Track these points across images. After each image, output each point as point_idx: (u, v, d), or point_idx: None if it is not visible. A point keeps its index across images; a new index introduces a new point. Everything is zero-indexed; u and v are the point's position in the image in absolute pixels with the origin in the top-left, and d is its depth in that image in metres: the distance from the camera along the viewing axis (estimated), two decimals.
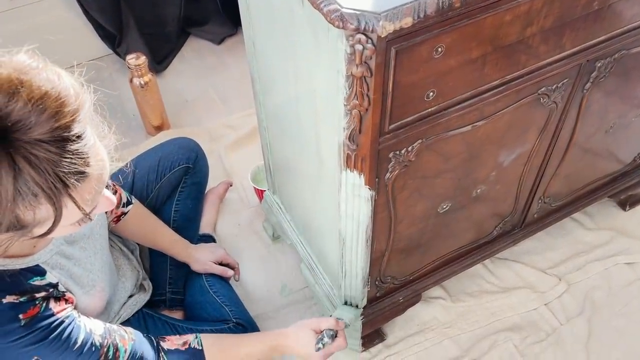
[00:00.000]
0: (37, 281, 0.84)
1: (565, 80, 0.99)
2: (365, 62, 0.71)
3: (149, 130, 1.85)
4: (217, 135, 1.84)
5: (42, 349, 0.82)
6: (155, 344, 0.97)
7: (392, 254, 1.13)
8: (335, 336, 1.08)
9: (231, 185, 1.66)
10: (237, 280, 1.43)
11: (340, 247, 1.06)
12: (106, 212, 1.15)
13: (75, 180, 0.68)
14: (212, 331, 1.17)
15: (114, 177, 1.25)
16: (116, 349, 0.91)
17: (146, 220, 1.26)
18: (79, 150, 0.68)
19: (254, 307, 1.40)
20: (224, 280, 1.36)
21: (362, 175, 0.88)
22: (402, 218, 1.04)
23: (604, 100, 1.11)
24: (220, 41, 2.17)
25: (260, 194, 1.57)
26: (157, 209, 1.36)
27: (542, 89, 0.97)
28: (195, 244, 1.38)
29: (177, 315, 1.29)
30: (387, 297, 1.26)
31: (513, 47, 0.84)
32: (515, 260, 1.49)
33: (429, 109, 0.84)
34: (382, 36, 0.67)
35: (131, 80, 1.70)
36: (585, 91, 1.05)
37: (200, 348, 1.00)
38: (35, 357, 0.82)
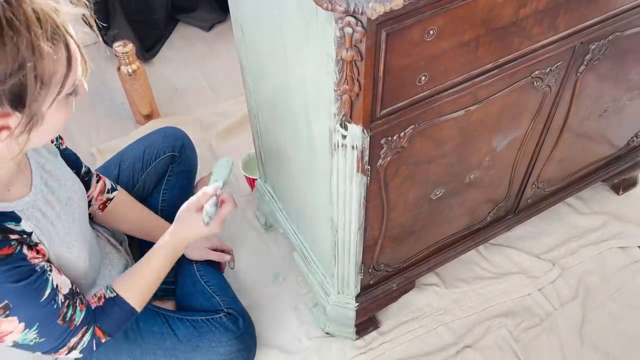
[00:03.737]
0: (11, 225, 0.84)
1: (559, 63, 0.97)
2: (355, 46, 0.69)
3: (137, 119, 1.82)
4: (208, 123, 1.82)
5: (13, 293, 0.82)
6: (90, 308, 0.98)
7: (386, 241, 1.12)
8: (221, 202, 1.07)
9: None
10: (232, 268, 1.42)
11: (332, 235, 1.05)
12: (90, 201, 1.15)
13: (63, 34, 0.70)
14: (203, 322, 1.16)
15: (100, 171, 1.28)
16: (74, 312, 0.92)
17: (133, 207, 1.25)
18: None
19: (247, 296, 1.40)
20: (216, 270, 1.35)
21: (354, 162, 0.86)
22: (395, 205, 1.03)
23: (597, 83, 1.10)
24: (209, 28, 2.14)
25: (251, 182, 1.55)
26: (144, 199, 1.35)
27: (536, 72, 0.96)
28: None
29: (168, 305, 1.28)
30: (380, 285, 1.25)
31: (506, 29, 0.82)
32: (509, 245, 1.48)
33: (421, 94, 0.82)
34: (372, 18, 0.65)
35: (119, 69, 1.67)
36: (579, 74, 1.04)
37: (115, 294, 1.00)
38: (6, 302, 0.82)
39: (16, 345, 0.89)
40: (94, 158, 1.72)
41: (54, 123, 0.77)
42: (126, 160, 1.34)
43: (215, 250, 1.35)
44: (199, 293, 1.24)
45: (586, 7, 0.89)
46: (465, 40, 0.79)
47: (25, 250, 0.84)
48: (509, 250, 1.48)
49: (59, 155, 1.03)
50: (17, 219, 0.85)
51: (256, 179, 1.46)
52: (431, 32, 0.74)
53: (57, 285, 0.89)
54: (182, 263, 1.32)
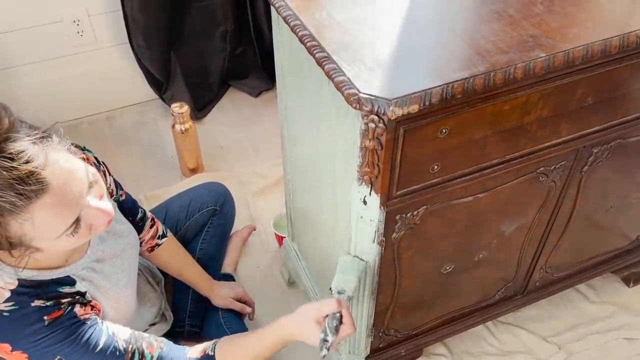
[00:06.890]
0: (66, 289, 0.92)
1: (563, 163, 1.07)
2: (377, 138, 0.82)
3: (184, 172, 1.99)
4: (246, 181, 1.97)
5: (63, 349, 0.88)
6: (185, 355, 1.02)
7: (397, 308, 1.20)
8: (340, 321, 0.97)
9: (254, 230, 1.77)
10: (251, 319, 1.52)
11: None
12: (141, 243, 1.27)
13: (33, 193, 0.74)
14: None
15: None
16: (142, 355, 0.97)
17: (177, 253, 1.38)
18: (23, 168, 0.73)
19: None
20: (240, 319, 1.45)
21: (371, 234, 0.97)
22: (407, 275, 1.12)
23: (602, 181, 1.19)
24: (257, 94, 2.33)
25: (280, 240, 1.67)
26: (184, 246, 1.47)
27: (541, 169, 1.06)
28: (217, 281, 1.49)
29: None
30: (389, 349, 1.32)
31: (512, 132, 0.93)
32: (517, 325, 1.54)
33: (434, 180, 0.93)
34: (392, 118, 0.78)
35: (173, 126, 1.85)
36: (583, 173, 1.13)
37: (212, 354, 1.02)
38: (59, 357, 0.88)
39: None
40: (140, 204, 1.87)
41: (60, 247, 0.85)
42: (172, 209, 1.49)
43: (240, 300, 1.46)
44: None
45: (587, 117, 1.00)
46: (474, 139, 0.90)
47: (76, 308, 0.91)
48: (517, 329, 1.53)
49: (117, 208, 1.13)
50: (72, 283, 0.94)
51: (284, 237, 1.58)
52: (443, 130, 0.86)
53: (113, 333, 0.95)
54: (209, 309, 1.43)
